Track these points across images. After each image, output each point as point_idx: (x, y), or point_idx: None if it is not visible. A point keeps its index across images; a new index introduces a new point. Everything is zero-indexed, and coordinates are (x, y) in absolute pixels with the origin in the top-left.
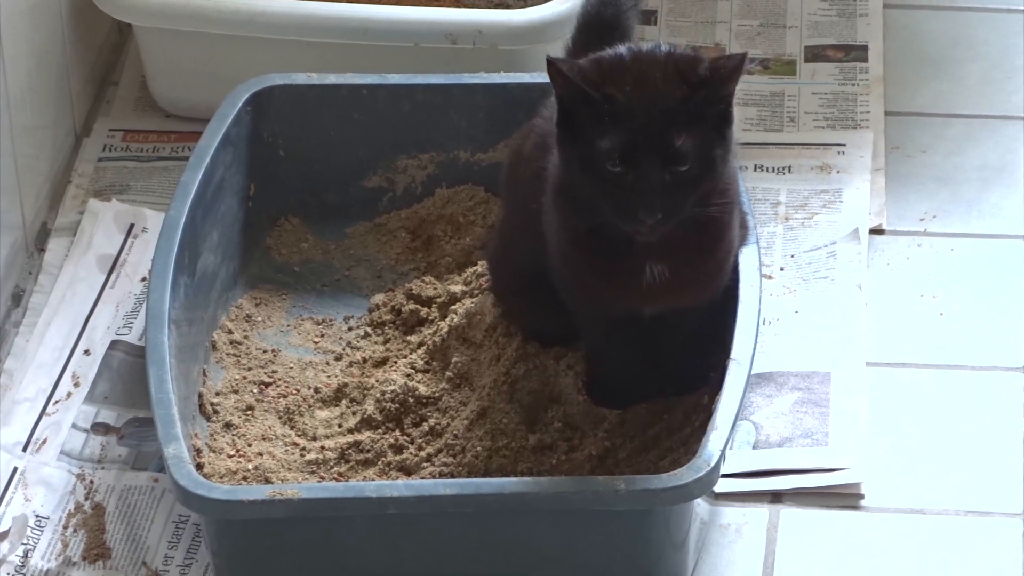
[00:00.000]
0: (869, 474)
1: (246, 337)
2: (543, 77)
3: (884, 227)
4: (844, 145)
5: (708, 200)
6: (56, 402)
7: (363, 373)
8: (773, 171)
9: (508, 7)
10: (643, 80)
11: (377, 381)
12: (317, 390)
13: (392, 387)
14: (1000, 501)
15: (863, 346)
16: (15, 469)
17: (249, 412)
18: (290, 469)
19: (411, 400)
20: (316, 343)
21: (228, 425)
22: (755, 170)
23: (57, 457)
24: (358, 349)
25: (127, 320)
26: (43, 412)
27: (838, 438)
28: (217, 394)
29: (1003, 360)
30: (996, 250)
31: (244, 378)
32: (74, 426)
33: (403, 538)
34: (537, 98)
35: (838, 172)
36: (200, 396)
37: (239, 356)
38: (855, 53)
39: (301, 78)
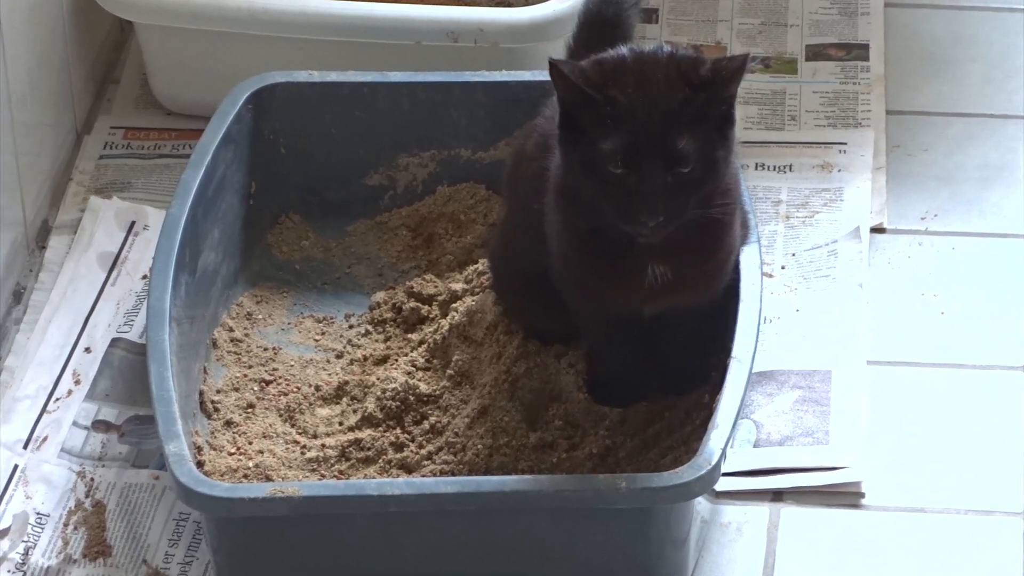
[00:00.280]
0: (870, 473)
1: (247, 335)
2: (544, 75)
3: (885, 226)
4: (845, 144)
5: (710, 201)
6: (57, 400)
7: (364, 371)
8: (774, 170)
9: (510, 5)
10: (645, 81)
11: (378, 379)
12: (318, 388)
13: (393, 385)
14: (1001, 500)
15: (864, 345)
16: (16, 466)
17: (250, 410)
18: (291, 467)
19: (412, 398)
20: (317, 341)
21: (229, 423)
22: (756, 168)
23: (58, 455)
24: (359, 347)
25: (128, 318)
26: (44, 409)
27: (839, 437)
28: (218, 392)
29: (1004, 359)
30: (997, 249)
31: (245, 376)
32: (75, 424)
33: (404, 536)
34: (538, 97)
35: (839, 171)
36: (201, 394)
37: (240, 354)
38: (856, 52)
39: (302, 76)
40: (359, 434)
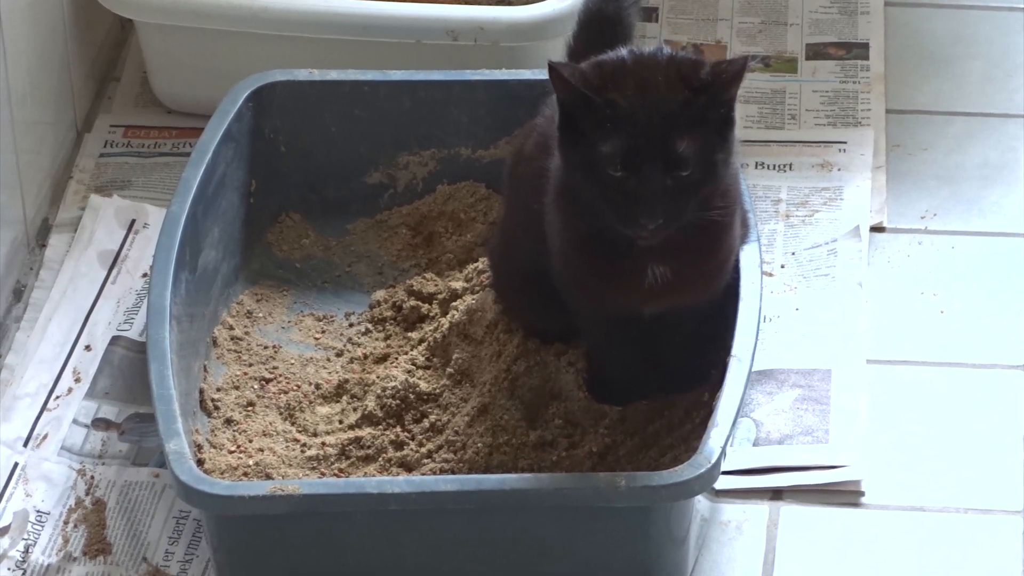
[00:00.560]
0: (869, 471)
1: (247, 333)
2: (544, 74)
3: (885, 225)
4: (845, 143)
5: (710, 203)
6: (57, 398)
7: (364, 369)
8: (774, 169)
9: (510, 4)
10: (645, 84)
11: (378, 377)
12: (318, 386)
13: (393, 383)
14: (1000, 498)
15: (863, 343)
16: (16, 464)
17: (250, 408)
18: (291, 465)
19: (412, 396)
20: (317, 339)
21: (229, 421)
22: (756, 167)
23: (58, 452)
24: (359, 345)
25: (128, 316)
26: (44, 408)
27: (838, 435)
28: (218, 390)
29: (1003, 358)
30: (997, 248)
31: (245, 374)
32: (75, 422)
33: (404, 534)
34: (538, 95)
35: (839, 170)
36: (201, 392)
37: (240, 352)
38: (856, 51)
39: (302, 74)
40: (359, 432)
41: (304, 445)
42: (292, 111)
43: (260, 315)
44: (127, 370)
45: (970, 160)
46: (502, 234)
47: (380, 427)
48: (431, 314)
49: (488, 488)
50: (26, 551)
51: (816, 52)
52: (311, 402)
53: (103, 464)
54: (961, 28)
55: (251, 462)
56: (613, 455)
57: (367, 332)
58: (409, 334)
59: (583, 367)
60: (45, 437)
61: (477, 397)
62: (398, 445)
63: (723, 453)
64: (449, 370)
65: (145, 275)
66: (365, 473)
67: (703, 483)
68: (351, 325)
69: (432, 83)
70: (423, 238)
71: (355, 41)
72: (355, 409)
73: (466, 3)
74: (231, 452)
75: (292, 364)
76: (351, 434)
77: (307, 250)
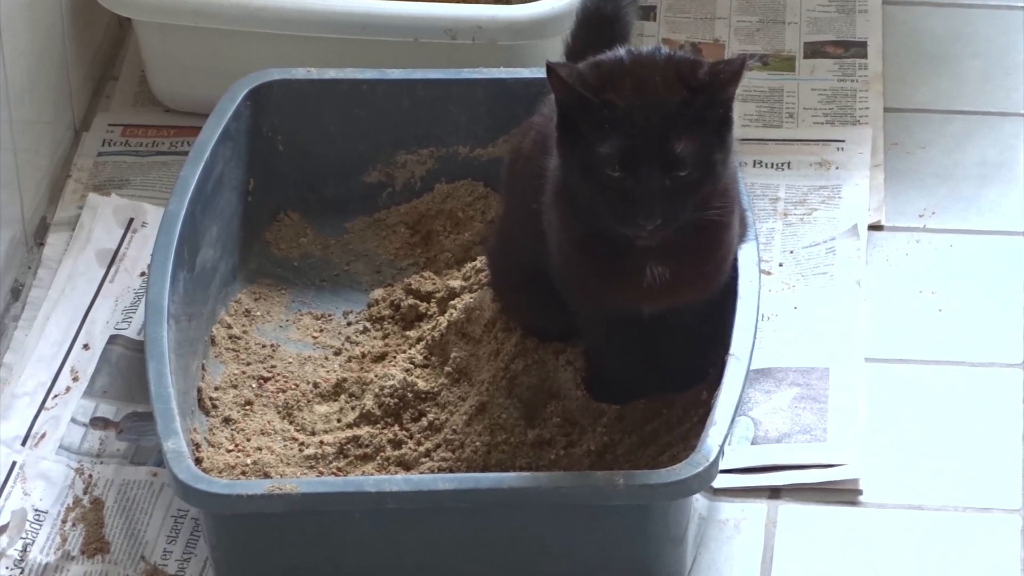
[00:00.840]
0: (867, 470)
1: (245, 332)
2: (543, 73)
3: (883, 223)
4: (843, 141)
5: (708, 203)
6: (55, 396)
7: (362, 368)
8: (772, 167)
9: (508, 2)
10: (643, 85)
11: (376, 376)
12: (316, 385)
13: (391, 382)
14: (999, 497)
15: (862, 342)
16: (14, 463)
17: (248, 407)
18: (289, 464)
19: (410, 395)
20: (315, 338)
21: (227, 420)
22: (754, 166)
23: (56, 451)
24: (357, 344)
25: (126, 315)
26: (42, 406)
27: (837, 434)
28: (216, 389)
29: (1002, 356)
30: (995, 246)
31: (243, 373)
32: (73, 420)
33: (402, 533)
34: (536, 94)
35: (837, 168)
36: (199, 391)
37: (238, 351)
38: (854, 49)
39: (300, 73)
40: (357, 431)
41: (302, 444)
42: (290, 110)
43: (258, 314)
44: (125, 369)
45: (968, 158)
46: (500, 233)
47: (378, 426)
48: (429, 313)
49: (486, 487)
50: (24, 550)
51: (814, 50)
52: (309, 401)
53: (101, 463)
54: (959, 26)
55: (249, 461)
56: (611, 454)
57: (365, 331)
58: (407, 333)
59: (581, 366)
60: (43, 436)
61: (475, 396)
62: (396, 444)
63: (721, 452)
64: (447, 369)
65: (143, 274)
66: (363, 472)
67: (701, 481)
68: (349, 324)
69: (430, 82)
70: (421, 237)
71: (353, 40)
72: (353, 408)
73: (464, 2)
74: (229, 451)
75: (290, 363)
76: (349, 433)
77: (305, 249)
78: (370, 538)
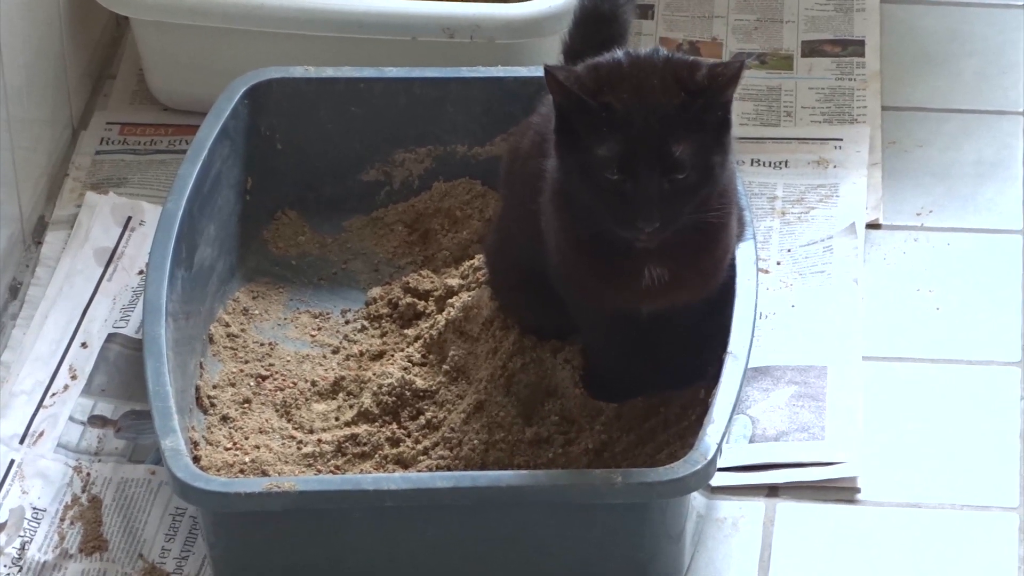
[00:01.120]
0: (865, 468)
1: (243, 330)
2: (541, 71)
3: (881, 221)
4: (841, 140)
5: (707, 205)
6: (53, 395)
7: (360, 366)
8: (770, 166)
9: (506, 1)
10: (641, 88)
11: (374, 374)
12: (314, 383)
13: (389, 380)
14: (996, 495)
15: (859, 340)
16: (12, 461)
17: (246, 405)
18: (287, 462)
19: (408, 393)
20: (313, 336)
21: (225, 418)
22: (752, 165)
23: (54, 449)
24: (355, 342)
25: (124, 313)
26: (40, 405)
27: (834, 432)
28: (214, 387)
29: (999, 354)
30: (992, 245)
31: (241, 371)
32: (71, 419)
33: (400, 531)
34: (534, 92)
35: (835, 167)
36: (197, 389)
37: (236, 349)
38: (852, 48)
39: (298, 71)
40: (355, 429)
41: (300, 442)
42: (288, 108)
43: (256, 312)
44: (123, 367)
45: (965, 157)
46: (498, 231)
47: (376, 424)
48: (427, 311)
49: (484, 485)
50: (22, 548)
51: (812, 49)
52: (307, 399)
53: (99, 461)
54: (957, 25)
55: (247, 459)
56: (609, 452)
57: (363, 329)
58: (405, 331)
59: (579, 364)
60: (41, 434)
61: (473, 394)
62: (394, 442)
63: (719, 450)
64: (445, 367)
65: (141, 272)
66: (361, 470)
67: (699, 480)
68: (347, 322)
69: (428, 80)
70: (419, 235)
71: (351, 38)
72: (351, 406)
73: (462, 0)
74: (227, 449)
75: (288, 361)
76: (347, 431)
77: (303, 247)
78: (368, 536)
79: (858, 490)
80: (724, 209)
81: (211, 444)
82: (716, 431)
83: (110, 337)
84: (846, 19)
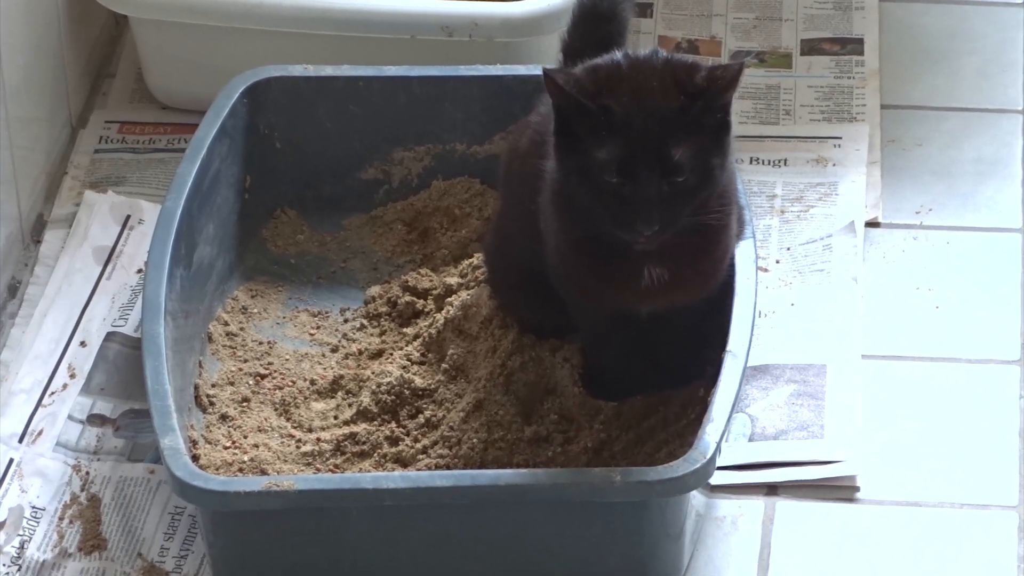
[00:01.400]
0: (864, 467)
1: (242, 329)
2: (539, 69)
3: (880, 220)
4: (840, 138)
5: (706, 207)
6: (52, 393)
7: (359, 365)
8: (769, 164)
9: None
10: (640, 90)
11: (373, 373)
12: (313, 382)
13: (388, 379)
14: (995, 494)
15: (859, 339)
16: (11, 460)
17: (245, 404)
18: (286, 461)
19: (407, 392)
20: (312, 335)
21: (224, 417)
22: (751, 163)
23: (53, 448)
24: (354, 341)
25: (123, 312)
26: (39, 403)
27: (834, 431)
28: (213, 386)
29: (998, 353)
30: (991, 243)
31: (240, 370)
32: (70, 417)
33: (399, 530)
34: (533, 91)
35: (834, 165)
36: (196, 388)
37: (235, 348)
38: (851, 46)
39: (297, 70)
40: (354, 428)
41: (299, 441)
42: (287, 107)
43: (255, 311)
44: (122, 366)
45: (965, 155)
46: (497, 230)
47: (375, 423)
48: (426, 310)
49: (483, 484)
50: (21, 547)
51: (811, 48)
52: (306, 398)
53: (98, 460)
54: (956, 23)
55: (246, 458)
56: (608, 451)
57: (362, 328)
58: (404, 330)
59: (578, 362)
60: (40, 433)
61: (472, 393)
62: (393, 441)
63: (718, 448)
64: (444, 366)
65: (140, 271)
66: (360, 469)
67: (698, 478)
68: (346, 321)
69: (427, 79)
70: (418, 234)
71: (350, 37)
72: (350, 405)
73: None
74: (226, 448)
75: (287, 360)
76: (346, 430)
77: (302, 246)
78: (367, 535)
79: (857, 489)
80: (724, 210)
81: (210, 443)
82: (715, 430)
83: (109, 336)
84: (845, 17)
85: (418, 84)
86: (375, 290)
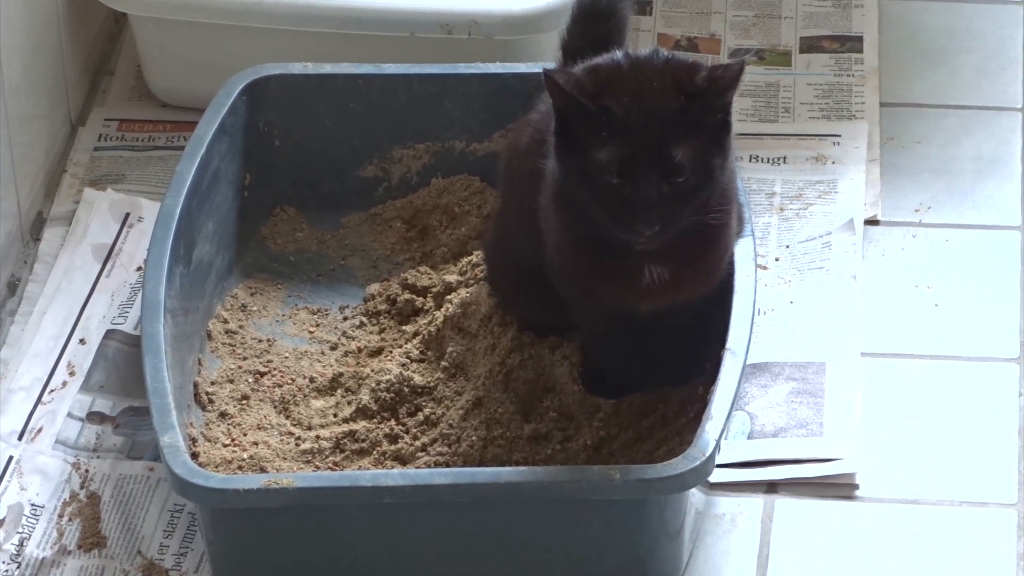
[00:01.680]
0: (864, 464)
1: (241, 327)
2: (538, 67)
3: (879, 218)
4: (839, 136)
5: (707, 207)
6: (52, 391)
7: (358, 363)
8: (768, 162)
9: None
10: (640, 90)
11: (372, 371)
12: (312, 380)
13: (387, 377)
14: (994, 492)
15: (858, 336)
16: (10, 458)
17: (244, 401)
18: (285, 458)
19: (406, 390)
20: (311, 333)
21: (223, 414)
22: (750, 161)
23: (52, 446)
24: (353, 339)
25: (122, 309)
26: (39, 401)
27: (833, 428)
28: (212, 383)
29: (997, 351)
30: (990, 241)
31: (239, 367)
32: (69, 415)
33: (398, 527)
34: (532, 89)
35: (833, 163)
36: (195, 385)
37: (234, 345)
38: (850, 44)
39: (297, 68)
40: (353, 426)
41: (298, 438)
42: (286, 105)
43: (254, 308)
44: (121, 364)
45: (964, 153)
46: (497, 228)
47: (374, 420)
48: (425, 307)
49: (482, 481)
50: (21, 544)
51: (810, 45)
52: (305, 395)
53: (98, 458)
54: (955, 21)
55: (245, 455)
56: (607, 448)
57: (361, 325)
58: (403, 327)
59: (577, 360)
60: (40, 431)
61: (471, 390)
62: (392, 438)
63: (718, 446)
64: (443, 363)
65: (139, 269)
66: (359, 466)
67: (698, 476)
68: (345, 318)
69: (426, 76)
70: (417, 231)
71: (349, 35)
72: (349, 402)
73: None
74: (225, 445)
75: (286, 357)
76: (345, 427)
77: (301, 244)
78: (366, 532)
79: (856, 486)
80: (724, 209)
81: (209, 440)
82: (714, 427)
83: (108, 333)
84: (844, 15)
85: (417, 82)
86: (374, 288)
